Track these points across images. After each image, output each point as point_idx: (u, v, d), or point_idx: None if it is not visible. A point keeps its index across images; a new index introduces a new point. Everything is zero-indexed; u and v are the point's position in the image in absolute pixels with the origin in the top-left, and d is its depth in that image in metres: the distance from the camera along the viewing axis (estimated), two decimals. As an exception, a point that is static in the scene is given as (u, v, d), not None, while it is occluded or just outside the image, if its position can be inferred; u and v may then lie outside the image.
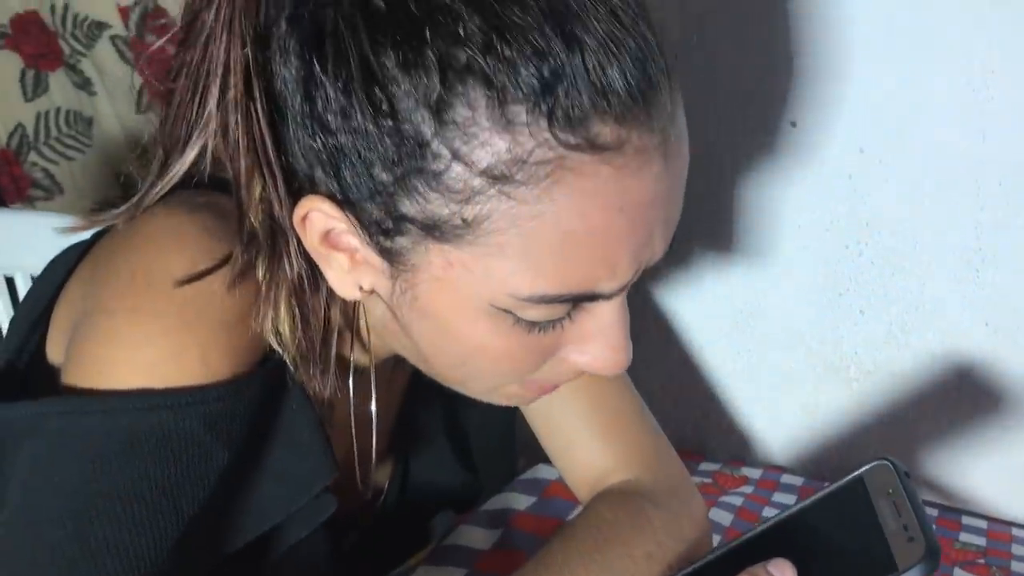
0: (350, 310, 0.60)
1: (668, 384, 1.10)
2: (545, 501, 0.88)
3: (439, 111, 0.46)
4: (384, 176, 0.48)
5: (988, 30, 0.85)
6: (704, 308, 1.07)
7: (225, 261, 0.52)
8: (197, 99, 0.51)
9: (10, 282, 1.05)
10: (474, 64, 0.45)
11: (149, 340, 0.50)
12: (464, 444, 0.80)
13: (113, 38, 1.36)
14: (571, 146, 0.47)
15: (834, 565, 0.48)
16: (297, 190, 0.52)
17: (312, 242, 0.52)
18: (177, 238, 0.53)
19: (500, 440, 0.87)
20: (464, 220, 0.48)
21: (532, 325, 0.52)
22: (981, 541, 0.87)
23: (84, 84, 1.38)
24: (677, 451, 0.78)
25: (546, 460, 0.83)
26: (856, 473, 0.51)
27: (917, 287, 0.94)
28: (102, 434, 0.49)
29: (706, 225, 1.03)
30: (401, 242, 0.50)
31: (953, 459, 0.96)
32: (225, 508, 0.54)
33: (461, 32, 0.45)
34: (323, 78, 0.48)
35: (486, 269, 0.50)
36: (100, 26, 1.36)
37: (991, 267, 0.90)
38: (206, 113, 0.51)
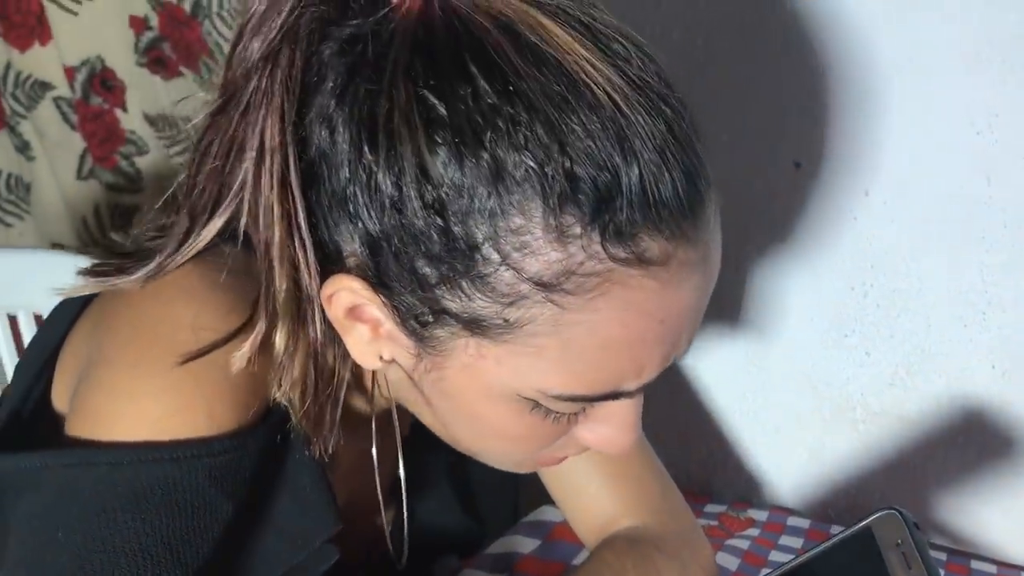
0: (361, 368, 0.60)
1: (675, 424, 1.09)
2: (550, 544, 0.87)
3: (492, 216, 0.46)
4: (428, 270, 0.48)
5: (990, 73, 0.86)
6: (711, 349, 1.07)
7: (241, 327, 0.52)
8: (228, 167, 0.51)
9: (12, 320, 1.06)
10: (532, 173, 0.45)
11: (154, 395, 0.50)
12: (467, 489, 0.80)
13: (57, 100, 1.29)
14: (620, 260, 0.47)
15: None
16: (323, 259, 0.52)
17: (336, 314, 0.52)
18: (183, 292, 0.53)
19: (502, 482, 0.87)
20: (506, 320, 0.48)
21: (552, 412, 0.53)
22: (991, 586, 0.86)
23: (23, 147, 1.31)
24: (683, 491, 0.78)
25: (550, 501, 0.83)
26: (864, 522, 0.51)
27: (923, 329, 0.94)
28: (107, 486, 0.48)
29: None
30: (436, 332, 0.51)
31: (961, 503, 0.96)
32: (227, 560, 0.53)
33: (522, 140, 0.45)
34: (373, 166, 0.47)
35: (520, 366, 0.50)
36: (44, 87, 1.28)
37: (997, 310, 0.90)
38: (238, 182, 0.50)
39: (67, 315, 0.59)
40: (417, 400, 0.56)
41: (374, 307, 0.51)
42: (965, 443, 0.94)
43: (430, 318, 0.50)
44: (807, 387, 1.01)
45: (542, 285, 0.47)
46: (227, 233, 0.53)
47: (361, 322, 0.52)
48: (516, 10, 0.47)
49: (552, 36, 0.47)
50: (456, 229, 0.47)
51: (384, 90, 0.47)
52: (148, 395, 0.50)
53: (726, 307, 1.04)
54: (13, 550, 0.50)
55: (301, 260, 0.51)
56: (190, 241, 0.53)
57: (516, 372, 0.50)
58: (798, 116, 0.96)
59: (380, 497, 0.65)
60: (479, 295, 0.48)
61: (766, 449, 1.06)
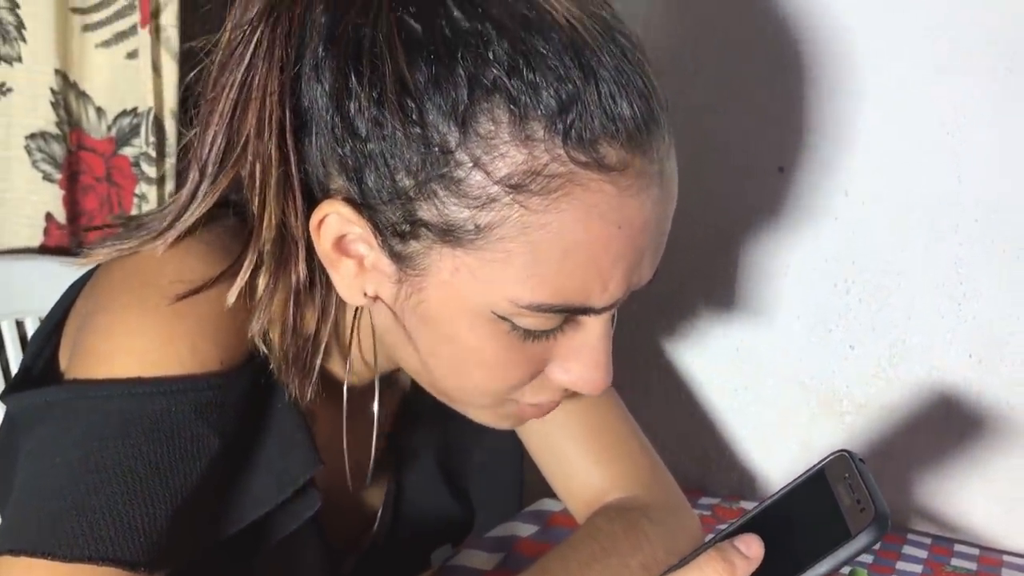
0: (343, 326, 0.64)
1: (670, 423, 1.13)
2: (548, 529, 0.91)
3: (465, 123, 0.51)
4: (407, 181, 0.53)
5: (959, 77, 0.91)
6: (702, 350, 1.11)
7: (225, 272, 0.57)
8: (235, 119, 0.56)
9: (20, 326, 1.07)
10: (500, 83, 0.51)
11: (141, 330, 0.55)
12: (455, 472, 0.82)
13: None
14: (581, 163, 0.51)
15: (799, 544, 0.52)
16: (311, 199, 0.57)
17: (324, 247, 0.57)
18: (172, 247, 0.58)
19: (503, 469, 0.89)
20: (477, 226, 0.53)
21: (526, 334, 0.57)
22: (972, 565, 0.89)
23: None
24: (681, 489, 0.82)
25: (550, 494, 0.87)
26: (817, 466, 0.56)
27: (903, 321, 0.98)
28: (100, 416, 0.53)
29: (702, 268, 1.08)
30: (414, 246, 0.55)
31: (944, 489, 0.99)
32: (216, 494, 0.57)
33: (490, 55, 0.51)
34: (358, 90, 0.52)
35: (491, 275, 0.54)
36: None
37: (972, 300, 0.94)
38: (244, 136, 0.55)
39: (74, 289, 0.64)
40: (400, 340, 0.60)
41: (360, 238, 0.56)
42: (945, 430, 0.98)
43: (407, 228, 0.54)
44: (795, 382, 1.05)
45: (510, 186, 0.51)
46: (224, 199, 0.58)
47: (348, 256, 0.57)
48: None
49: None
50: (432, 136, 0.51)
51: (370, 22, 0.53)
52: (136, 333, 0.55)
53: (716, 306, 1.08)
54: (18, 478, 0.54)
55: (290, 199, 0.55)
56: (199, 196, 0.58)
57: (489, 283, 0.54)
58: (780, 124, 1.01)
59: (373, 449, 0.69)
60: (453, 200, 0.52)
61: (758, 445, 1.10)
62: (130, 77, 1.00)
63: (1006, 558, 0.92)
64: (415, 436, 0.78)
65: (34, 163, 0.98)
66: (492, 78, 0.51)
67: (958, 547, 0.94)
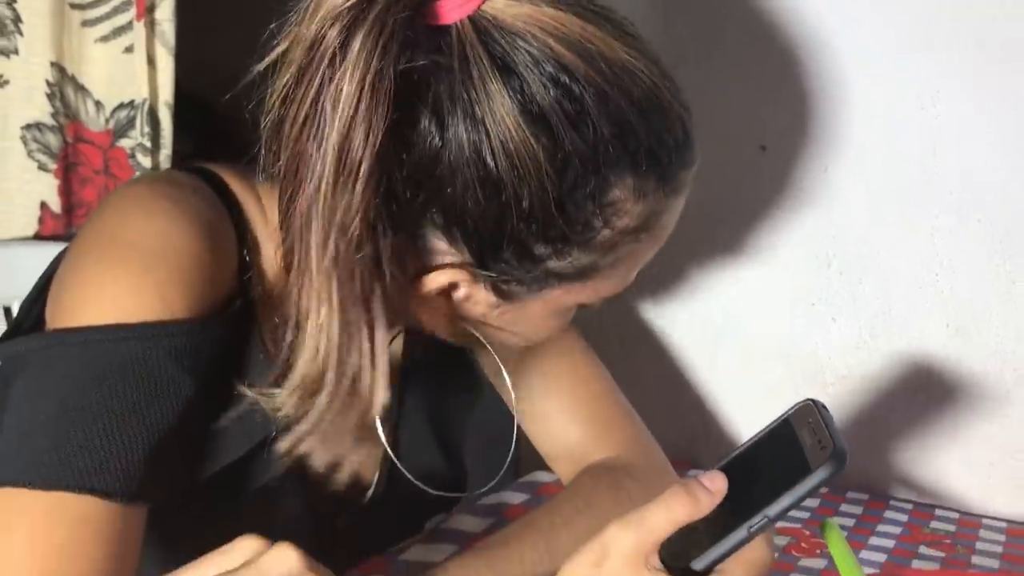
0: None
1: (657, 397, 1.15)
2: (538, 498, 0.93)
3: (595, 196, 0.58)
4: (543, 250, 0.59)
5: (932, 53, 0.94)
6: (689, 325, 1.13)
7: (195, 228, 0.60)
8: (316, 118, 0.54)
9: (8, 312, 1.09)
10: (634, 159, 0.58)
11: (112, 279, 0.58)
12: (449, 435, 0.85)
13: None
14: (671, 195, 0.62)
15: (764, 483, 0.55)
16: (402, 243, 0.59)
17: (426, 292, 0.61)
18: (140, 206, 0.61)
19: (500, 453, 0.92)
20: (597, 265, 0.62)
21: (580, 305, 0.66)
22: (951, 527, 0.92)
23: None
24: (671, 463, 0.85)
25: (542, 466, 0.90)
26: (785, 414, 0.58)
27: (883, 293, 1.01)
28: (78, 362, 0.56)
29: (686, 244, 1.10)
30: (530, 288, 0.62)
31: (924, 457, 1.02)
32: (194, 437, 0.60)
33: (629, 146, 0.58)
34: (501, 179, 0.56)
35: (597, 287, 0.63)
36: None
37: (948, 271, 0.97)
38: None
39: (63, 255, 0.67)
40: (454, 326, 0.66)
41: (464, 283, 0.61)
42: (925, 399, 1.00)
43: (530, 278, 0.61)
44: (779, 355, 1.08)
45: (630, 233, 0.61)
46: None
47: (444, 296, 0.62)
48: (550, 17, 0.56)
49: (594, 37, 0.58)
50: (571, 212, 0.58)
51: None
52: (107, 283, 0.58)
53: (701, 281, 1.11)
54: (8, 418, 0.57)
55: (382, 240, 0.56)
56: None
57: (594, 292, 0.64)
58: (762, 104, 1.04)
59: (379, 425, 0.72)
60: (583, 254, 0.60)
61: (744, 417, 1.13)
62: (128, 71, 1.02)
63: (984, 521, 0.94)
64: (409, 399, 0.80)
65: (29, 153, 1.01)
66: (628, 158, 0.58)
67: (938, 511, 0.97)
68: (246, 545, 0.50)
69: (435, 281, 0.61)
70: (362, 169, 0.53)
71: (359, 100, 0.52)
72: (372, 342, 0.57)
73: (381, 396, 0.59)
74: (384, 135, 0.53)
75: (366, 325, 0.57)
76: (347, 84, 0.52)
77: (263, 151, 0.58)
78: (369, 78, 0.52)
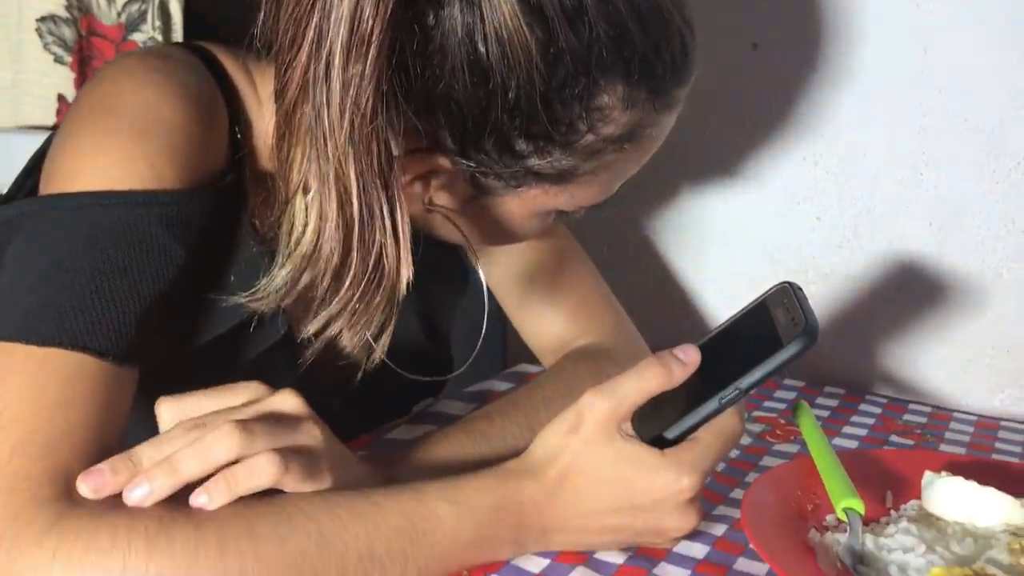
0: None
1: (643, 295, 1.18)
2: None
3: (583, 98, 0.58)
4: (524, 146, 0.60)
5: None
6: (675, 225, 1.15)
7: (184, 101, 0.61)
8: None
9: None
10: (627, 66, 0.58)
11: (104, 149, 0.59)
12: (434, 320, 0.86)
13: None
14: (662, 111, 0.62)
15: (739, 358, 0.57)
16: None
17: (403, 177, 0.61)
18: (131, 78, 0.62)
19: (487, 342, 0.94)
20: (578, 170, 0.62)
21: (560, 212, 0.67)
22: (923, 420, 0.95)
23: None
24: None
25: (530, 359, 0.92)
26: (761, 296, 0.60)
27: (868, 192, 1.02)
28: (69, 225, 0.57)
29: (674, 144, 1.10)
30: (508, 183, 0.62)
31: (903, 354, 1.04)
32: (185, 304, 0.62)
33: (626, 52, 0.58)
34: (491, 66, 0.56)
35: (572, 194, 0.64)
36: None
37: (932, 170, 0.98)
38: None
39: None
40: (416, 213, 0.66)
41: (443, 170, 0.62)
42: (906, 298, 1.02)
43: (509, 174, 0.61)
44: (763, 254, 1.09)
45: (615, 141, 0.61)
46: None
47: (422, 181, 0.63)
48: None
49: None
50: (557, 112, 0.58)
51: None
52: (100, 152, 0.59)
53: (688, 180, 1.12)
54: (2, 277, 0.58)
55: (392, 124, 0.56)
56: None
57: (571, 198, 0.64)
58: (755, 2, 1.03)
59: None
60: (565, 156, 0.61)
61: (728, 314, 1.14)
62: (139, -36, 1.02)
63: (956, 415, 0.97)
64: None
65: (45, 45, 1.01)
66: (621, 63, 0.58)
67: (912, 405, 0.99)
68: (250, 386, 0.53)
69: (414, 168, 0.61)
70: (374, 38, 0.53)
71: None
72: (394, 217, 0.57)
73: (406, 273, 0.59)
74: (394, 4, 0.53)
75: (387, 200, 0.57)
76: None
77: (261, 21, 0.57)
78: None
